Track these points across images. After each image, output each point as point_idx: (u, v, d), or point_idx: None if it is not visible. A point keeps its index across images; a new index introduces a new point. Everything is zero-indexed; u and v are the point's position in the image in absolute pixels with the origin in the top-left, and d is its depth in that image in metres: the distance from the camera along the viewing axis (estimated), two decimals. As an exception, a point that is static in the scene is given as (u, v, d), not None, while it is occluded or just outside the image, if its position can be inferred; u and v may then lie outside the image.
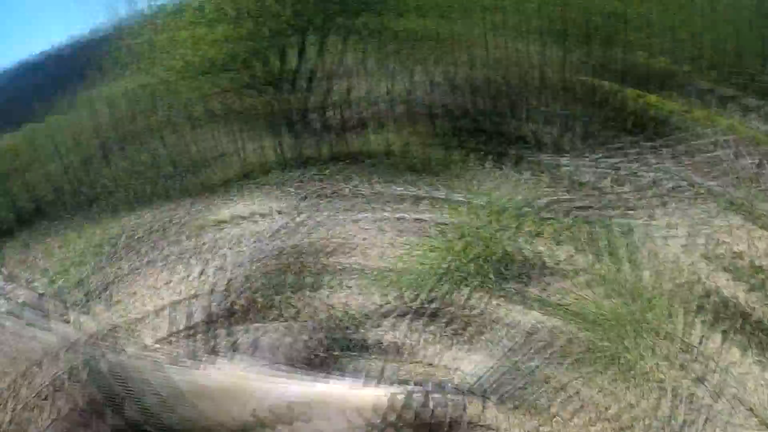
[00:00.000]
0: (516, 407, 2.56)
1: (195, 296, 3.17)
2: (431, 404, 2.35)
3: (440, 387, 2.47)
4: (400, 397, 2.27)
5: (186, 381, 2.52)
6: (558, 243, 3.35)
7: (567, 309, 2.85)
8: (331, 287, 2.75)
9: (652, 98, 8.37)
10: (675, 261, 2.77)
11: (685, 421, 2.38)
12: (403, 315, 2.50)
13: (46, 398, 3.04)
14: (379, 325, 2.36)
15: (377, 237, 3.25)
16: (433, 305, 2.64)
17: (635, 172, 4.58)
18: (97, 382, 2.79)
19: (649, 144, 5.25)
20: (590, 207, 3.65)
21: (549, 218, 3.66)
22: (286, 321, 2.47)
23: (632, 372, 2.35)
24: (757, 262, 2.96)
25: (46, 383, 3.09)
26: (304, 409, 2.42)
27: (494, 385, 2.56)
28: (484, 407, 2.49)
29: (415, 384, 2.40)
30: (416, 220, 3.46)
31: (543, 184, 4.34)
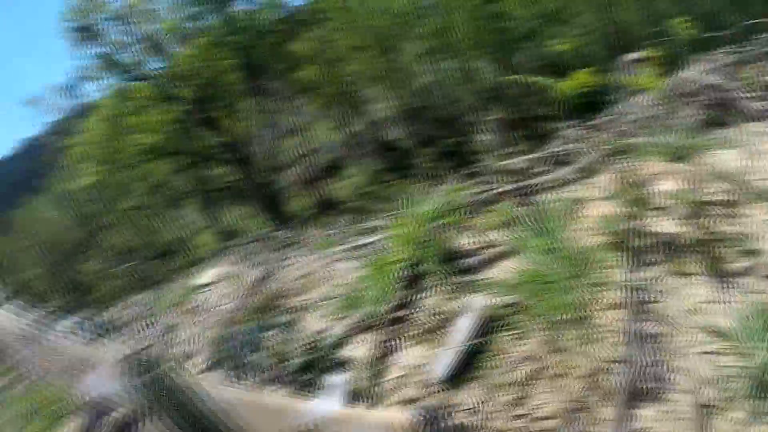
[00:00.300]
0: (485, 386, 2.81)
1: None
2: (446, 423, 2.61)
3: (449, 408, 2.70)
4: (420, 417, 2.52)
5: (236, 397, 2.81)
6: (489, 229, 3.64)
7: (508, 283, 3.09)
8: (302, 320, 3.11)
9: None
10: (597, 216, 3.02)
11: (640, 355, 2.54)
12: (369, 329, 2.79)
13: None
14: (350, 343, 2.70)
15: (338, 268, 3.62)
16: (396, 314, 2.93)
17: (560, 152, 4.91)
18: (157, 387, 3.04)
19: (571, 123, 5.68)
20: (516, 191, 4.02)
21: (478, 211, 4.00)
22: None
23: (581, 323, 2.52)
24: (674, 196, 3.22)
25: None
26: (341, 425, 2.73)
27: (459, 371, 2.84)
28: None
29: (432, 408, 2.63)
30: (369, 244, 3.82)
31: (471, 183, 4.75)
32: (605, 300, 2.28)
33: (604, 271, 2.37)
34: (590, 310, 2.27)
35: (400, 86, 23.45)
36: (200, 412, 2.86)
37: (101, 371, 3.77)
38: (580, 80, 9.43)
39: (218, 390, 3.03)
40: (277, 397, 2.81)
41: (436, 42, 21.47)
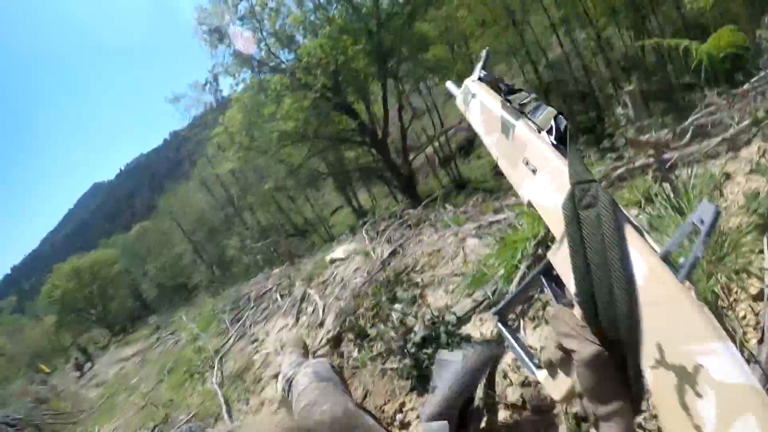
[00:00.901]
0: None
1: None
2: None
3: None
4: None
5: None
6: (626, 206, 3.41)
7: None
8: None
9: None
10: (744, 193, 2.79)
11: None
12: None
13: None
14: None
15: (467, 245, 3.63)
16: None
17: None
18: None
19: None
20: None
21: (614, 187, 3.78)
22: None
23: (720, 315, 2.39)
24: None
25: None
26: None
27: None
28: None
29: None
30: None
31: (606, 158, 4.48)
32: (749, 289, 2.01)
33: (748, 255, 2.09)
34: (731, 300, 2.02)
35: (532, 60, 22.57)
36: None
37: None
38: (723, 40, 8.27)
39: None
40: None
41: (566, 11, 20.33)
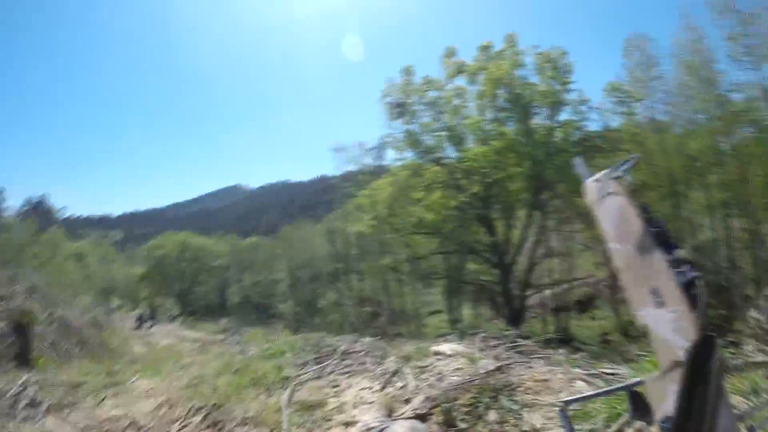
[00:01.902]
0: None
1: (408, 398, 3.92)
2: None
3: None
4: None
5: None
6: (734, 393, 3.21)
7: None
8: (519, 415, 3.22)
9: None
10: None
11: None
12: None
13: None
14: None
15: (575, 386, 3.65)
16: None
17: None
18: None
19: None
20: None
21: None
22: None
23: None
24: None
25: None
26: None
27: None
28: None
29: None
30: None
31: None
32: None
33: None
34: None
35: (681, 236, 21.24)
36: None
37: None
38: None
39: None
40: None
41: (728, 194, 19.19)
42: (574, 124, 18.33)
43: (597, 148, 18.35)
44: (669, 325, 0.75)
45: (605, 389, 0.91)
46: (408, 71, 19.85)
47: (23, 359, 8.99)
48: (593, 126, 18.55)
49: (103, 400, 5.81)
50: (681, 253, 0.78)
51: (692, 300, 0.76)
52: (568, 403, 0.90)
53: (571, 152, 18.05)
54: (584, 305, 23.52)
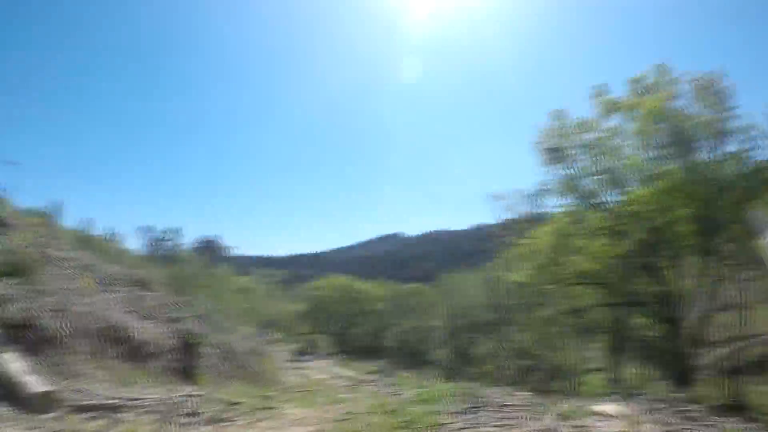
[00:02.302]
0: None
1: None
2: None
3: None
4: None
5: None
6: None
7: None
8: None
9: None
10: None
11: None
12: None
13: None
14: None
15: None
16: None
17: None
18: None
19: None
20: None
21: None
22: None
23: None
24: None
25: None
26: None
27: None
28: None
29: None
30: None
31: None
32: None
33: None
34: None
35: None
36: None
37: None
38: None
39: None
40: None
41: None
42: (744, 155, 16.10)
43: None
44: None
45: None
46: (560, 114, 19.05)
47: (188, 374, 10.02)
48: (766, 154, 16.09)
49: (256, 421, 6.16)
50: None
51: None
52: None
53: (744, 187, 15.99)
54: (764, 367, 20.07)
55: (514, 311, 29.16)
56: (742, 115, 16.14)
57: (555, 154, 18.92)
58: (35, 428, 5.53)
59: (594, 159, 18.26)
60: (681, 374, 16.01)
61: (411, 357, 42.05)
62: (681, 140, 16.44)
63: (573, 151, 18.67)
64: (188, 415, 6.07)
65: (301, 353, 25.95)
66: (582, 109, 18.87)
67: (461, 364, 29.33)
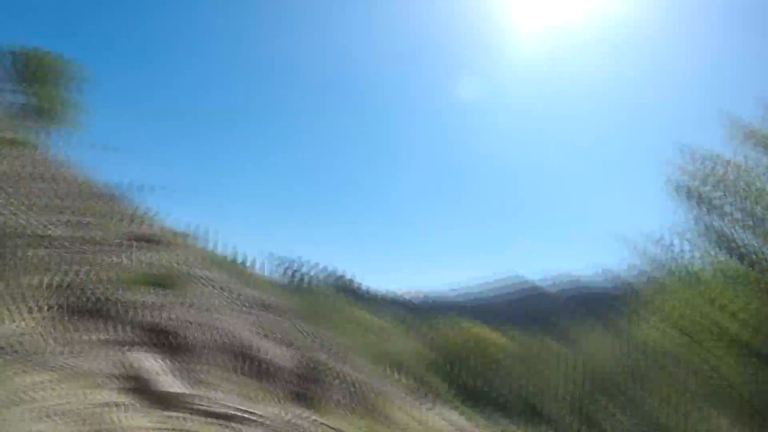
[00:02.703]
0: None
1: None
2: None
3: None
4: None
5: None
6: None
7: None
8: None
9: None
10: None
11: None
12: None
13: None
14: None
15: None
16: None
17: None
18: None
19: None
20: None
21: None
22: None
23: None
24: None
25: None
26: None
27: None
28: None
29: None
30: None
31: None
32: None
33: None
34: None
35: None
36: None
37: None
38: None
39: None
40: None
41: None
42: None
43: None
44: None
45: None
46: (693, 152, 17.09)
47: (308, 400, 10.68)
48: None
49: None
50: None
51: None
52: None
53: None
54: None
55: (650, 376, 26.75)
56: None
57: (694, 199, 16.89)
58: (161, 423, 6.32)
59: (740, 204, 15.72)
60: None
61: (531, 414, 40.01)
62: None
63: (715, 195, 16.15)
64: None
65: (425, 398, 25.89)
66: (716, 140, 16.98)
67: (583, 426, 27.33)
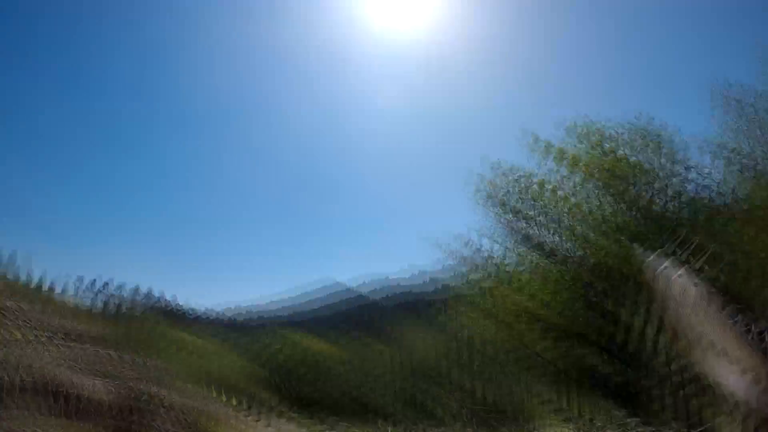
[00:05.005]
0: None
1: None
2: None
3: None
4: None
5: None
6: None
7: None
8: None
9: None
10: None
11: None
12: None
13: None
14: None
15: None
16: None
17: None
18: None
19: None
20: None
21: None
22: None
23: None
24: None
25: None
26: None
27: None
28: None
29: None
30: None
31: None
32: None
33: None
34: None
35: None
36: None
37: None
38: None
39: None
40: None
41: None
42: (687, 196, 17.33)
43: (717, 213, 16.81)
44: (739, 377, 0.77)
45: None
46: (498, 165, 19.65)
47: None
48: (705, 192, 17.28)
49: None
50: (746, 316, 0.83)
51: (760, 354, 0.79)
52: None
53: (688, 226, 16.61)
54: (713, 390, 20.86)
55: (466, 358, 29.32)
56: (694, 165, 17.38)
57: (498, 204, 19.56)
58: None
59: (541, 209, 18.86)
60: (636, 405, 16.62)
61: (363, 411, 41.22)
62: (625, 186, 17.55)
63: (517, 201, 19.26)
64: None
65: (258, 414, 25.16)
66: (522, 156, 19.49)
67: (413, 413, 29.06)
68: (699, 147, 17.35)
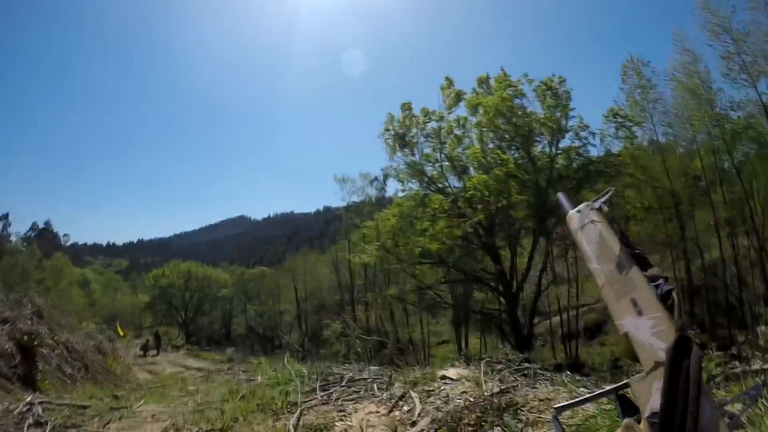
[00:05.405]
0: None
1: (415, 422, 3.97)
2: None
3: None
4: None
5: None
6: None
7: None
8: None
9: None
10: None
11: None
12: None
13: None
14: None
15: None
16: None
17: None
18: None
19: None
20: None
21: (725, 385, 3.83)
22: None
23: None
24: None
25: None
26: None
27: None
28: None
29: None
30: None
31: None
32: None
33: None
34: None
35: (687, 258, 21.28)
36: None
37: None
38: None
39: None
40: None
41: (732, 213, 19.23)
42: (575, 151, 18.39)
43: (599, 173, 18.36)
44: (649, 331, 0.83)
45: (594, 393, 0.98)
46: (407, 107, 20.04)
47: (28, 380, 8.96)
48: (595, 151, 18.65)
49: (108, 423, 5.77)
50: (656, 270, 0.89)
51: (669, 309, 0.85)
52: (560, 409, 0.98)
53: (574, 178, 18.30)
54: (594, 331, 23.37)
55: (362, 291, 30.34)
56: (577, 116, 18.46)
57: (401, 142, 19.86)
58: None
59: (438, 147, 19.55)
60: (521, 342, 17.87)
61: (262, 343, 41.79)
62: (520, 134, 18.19)
63: (418, 139, 19.81)
64: (34, 425, 5.55)
65: (150, 347, 24.59)
66: (432, 102, 20.11)
67: (312, 346, 29.88)
68: (603, 114, 18.74)
